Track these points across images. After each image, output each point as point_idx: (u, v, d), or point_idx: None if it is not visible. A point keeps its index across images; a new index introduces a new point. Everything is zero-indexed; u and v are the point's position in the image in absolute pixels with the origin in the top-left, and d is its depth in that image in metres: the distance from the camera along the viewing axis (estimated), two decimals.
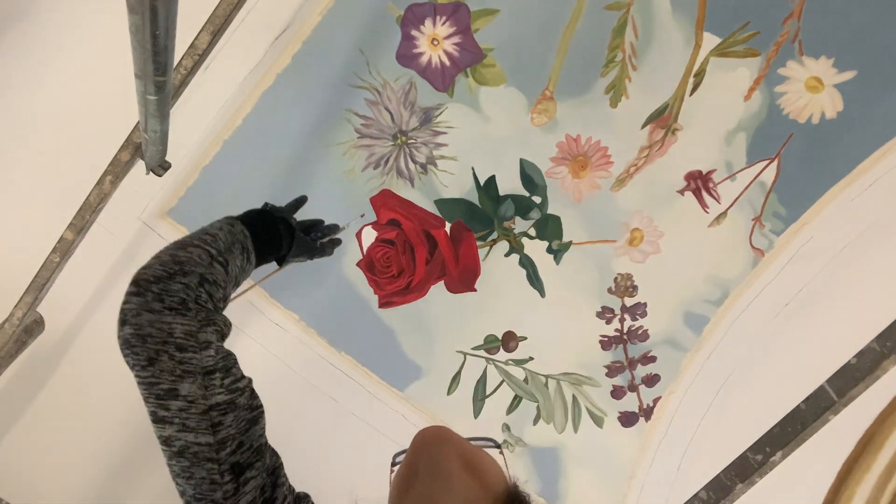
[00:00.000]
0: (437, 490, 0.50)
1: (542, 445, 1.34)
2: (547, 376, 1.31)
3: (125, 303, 0.56)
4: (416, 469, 0.53)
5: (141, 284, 0.56)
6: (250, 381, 0.60)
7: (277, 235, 0.82)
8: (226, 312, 0.67)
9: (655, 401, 1.31)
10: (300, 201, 1.00)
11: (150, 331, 0.54)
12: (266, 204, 0.89)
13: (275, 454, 0.61)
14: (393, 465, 0.59)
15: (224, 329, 0.61)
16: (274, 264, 0.88)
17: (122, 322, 0.55)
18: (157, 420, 0.54)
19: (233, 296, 0.74)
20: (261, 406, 0.59)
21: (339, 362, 1.29)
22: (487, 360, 1.30)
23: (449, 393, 1.31)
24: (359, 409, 1.31)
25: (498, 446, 0.62)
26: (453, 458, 0.51)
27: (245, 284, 0.78)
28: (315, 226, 1.00)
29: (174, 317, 0.55)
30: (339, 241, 1.04)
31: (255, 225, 0.76)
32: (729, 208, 1.21)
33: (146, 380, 0.54)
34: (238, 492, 0.53)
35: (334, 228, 1.04)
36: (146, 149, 0.93)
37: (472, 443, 0.58)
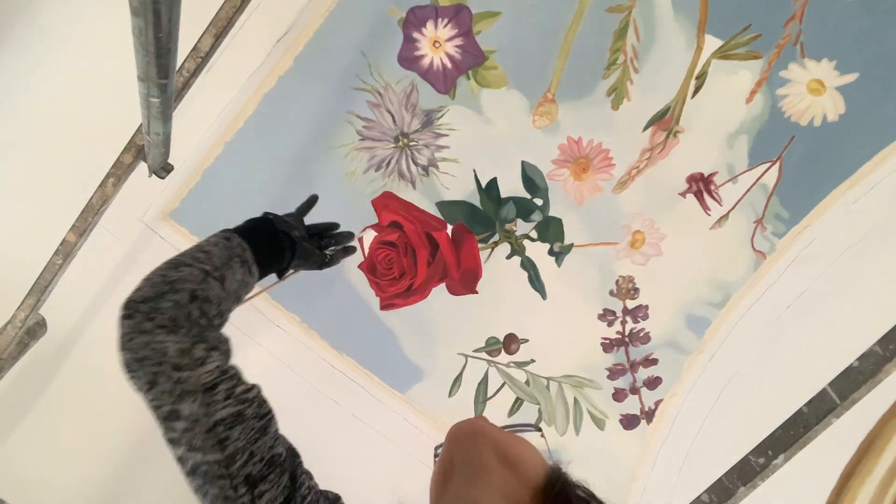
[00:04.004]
0: (474, 487, 0.47)
1: (543, 448, 1.33)
2: (548, 378, 1.31)
3: (119, 328, 0.56)
4: (451, 465, 0.50)
5: (130, 307, 0.56)
6: (258, 389, 0.59)
7: (280, 245, 0.78)
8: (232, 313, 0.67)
9: (657, 403, 1.31)
10: (311, 202, 0.94)
11: (146, 353, 0.54)
12: (266, 213, 0.81)
13: (293, 455, 0.60)
14: (435, 456, 0.56)
15: (220, 346, 0.60)
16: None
17: (120, 348, 0.56)
18: (168, 441, 0.55)
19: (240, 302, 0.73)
20: (270, 412, 0.59)
21: (340, 364, 1.29)
22: (489, 362, 1.30)
23: (450, 395, 1.31)
24: (360, 411, 1.31)
25: (538, 429, 0.59)
26: (489, 453, 0.48)
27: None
28: (326, 230, 0.94)
29: (166, 335, 0.55)
30: (353, 250, 0.99)
31: (256, 235, 0.73)
32: (731, 211, 1.20)
33: (151, 403, 0.55)
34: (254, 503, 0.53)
35: (348, 236, 0.97)
36: (149, 151, 0.93)
37: (509, 430, 0.54)
